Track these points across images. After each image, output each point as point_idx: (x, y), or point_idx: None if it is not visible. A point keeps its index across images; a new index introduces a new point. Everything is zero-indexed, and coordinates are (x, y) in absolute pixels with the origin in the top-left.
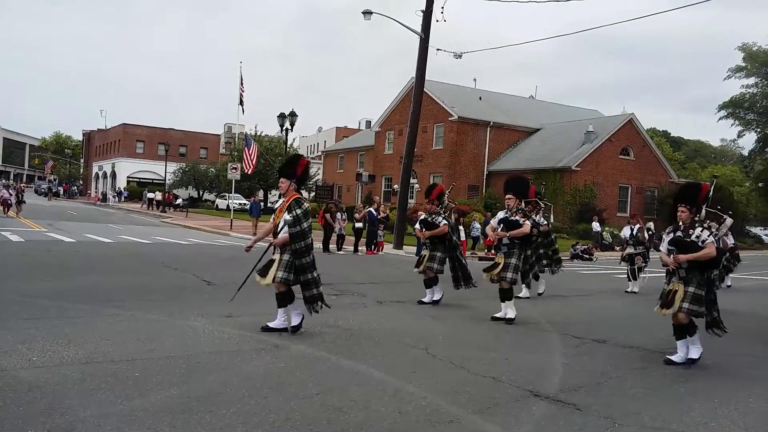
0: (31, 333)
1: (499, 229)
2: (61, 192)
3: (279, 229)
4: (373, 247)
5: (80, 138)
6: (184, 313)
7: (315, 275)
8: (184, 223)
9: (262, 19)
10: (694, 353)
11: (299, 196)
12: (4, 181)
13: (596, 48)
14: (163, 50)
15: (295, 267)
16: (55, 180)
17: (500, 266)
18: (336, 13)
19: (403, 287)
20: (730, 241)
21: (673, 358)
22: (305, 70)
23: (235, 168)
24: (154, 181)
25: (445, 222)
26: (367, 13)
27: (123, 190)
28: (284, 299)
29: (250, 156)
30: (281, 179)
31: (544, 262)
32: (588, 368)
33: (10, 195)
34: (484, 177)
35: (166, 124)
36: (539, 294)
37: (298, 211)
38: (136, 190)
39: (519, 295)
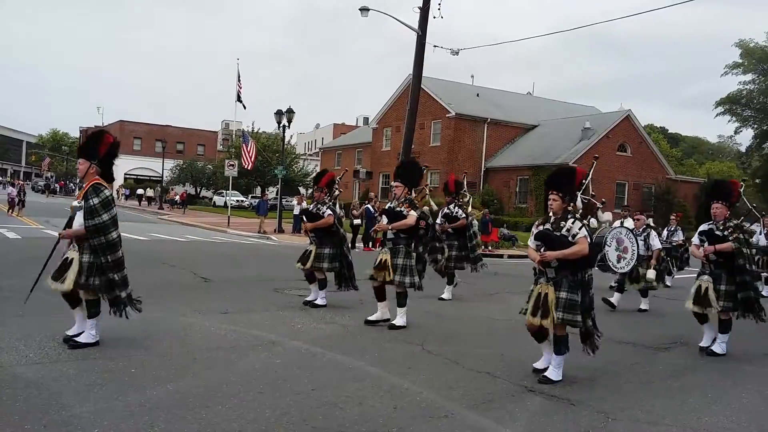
0: (27, 330)
1: (383, 221)
2: (58, 189)
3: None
4: (370, 243)
5: (77, 135)
6: (180, 309)
7: (119, 276)
8: (181, 220)
9: (260, 16)
10: (554, 375)
11: (99, 181)
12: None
13: (593, 44)
14: (161, 47)
15: (95, 268)
16: (52, 177)
17: (388, 266)
18: (333, 11)
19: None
20: (655, 244)
21: (550, 375)
22: (303, 67)
23: (233, 165)
24: (152, 178)
25: (331, 212)
26: (364, 9)
27: (125, 188)
28: (92, 306)
29: (249, 152)
30: (79, 159)
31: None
32: (582, 364)
33: (16, 194)
34: (482, 174)
35: (164, 121)
36: (440, 298)
37: (95, 201)
38: (134, 187)
39: (443, 297)
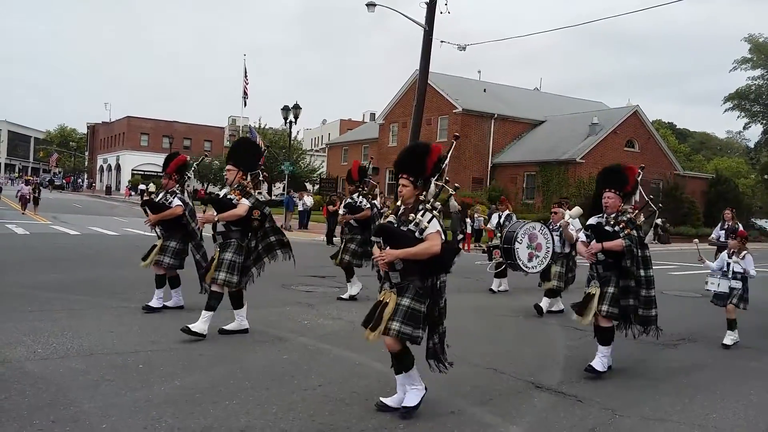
0: (36, 325)
1: (209, 212)
2: (65, 184)
3: None
4: None
5: (85, 131)
6: (187, 305)
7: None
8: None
9: (267, 11)
10: (412, 399)
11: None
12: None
13: (601, 40)
14: (168, 43)
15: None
16: (60, 173)
17: (214, 263)
18: (340, 6)
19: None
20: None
21: (388, 401)
22: (309, 62)
23: None
24: (159, 174)
25: (180, 203)
26: (370, 5)
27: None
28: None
29: None
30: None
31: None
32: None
33: (29, 192)
34: (489, 169)
35: (171, 116)
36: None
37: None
38: (139, 182)
39: (342, 296)
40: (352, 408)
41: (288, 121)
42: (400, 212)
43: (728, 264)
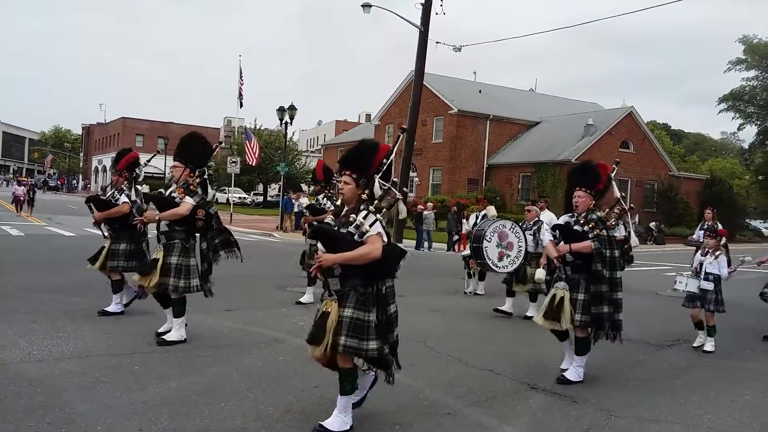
0: (31, 327)
1: (154, 213)
2: (59, 185)
3: None
4: None
5: (80, 132)
6: (194, 308)
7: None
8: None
9: (263, 13)
10: (335, 424)
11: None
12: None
13: (596, 41)
14: (162, 44)
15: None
16: (54, 174)
17: (159, 266)
18: (336, 7)
19: (401, 280)
20: (546, 239)
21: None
22: (305, 63)
23: (235, 162)
24: (154, 175)
25: (127, 201)
26: (366, 6)
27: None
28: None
29: (252, 149)
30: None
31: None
32: (586, 361)
33: (24, 193)
34: (484, 170)
35: (166, 117)
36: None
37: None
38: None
39: (300, 300)
40: None
41: (283, 121)
42: (341, 213)
43: (701, 264)
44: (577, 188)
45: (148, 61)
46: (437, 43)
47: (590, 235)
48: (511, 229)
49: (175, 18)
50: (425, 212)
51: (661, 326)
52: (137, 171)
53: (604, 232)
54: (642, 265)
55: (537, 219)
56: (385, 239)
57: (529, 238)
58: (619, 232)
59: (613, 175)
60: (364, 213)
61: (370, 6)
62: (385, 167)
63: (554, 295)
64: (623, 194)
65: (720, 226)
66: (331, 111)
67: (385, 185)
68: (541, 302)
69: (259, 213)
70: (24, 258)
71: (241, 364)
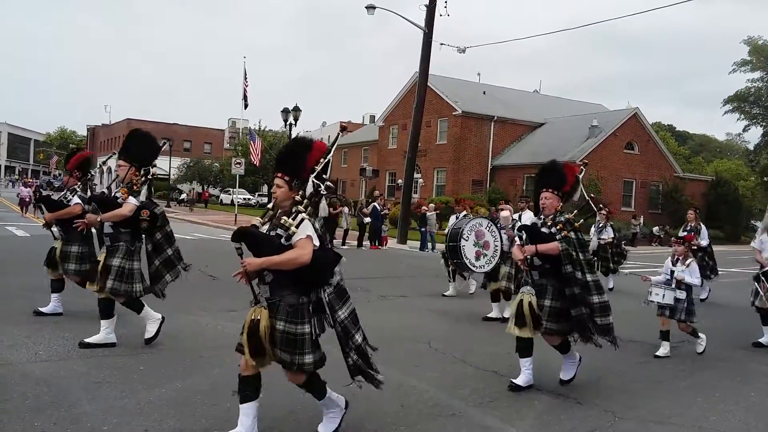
0: (36, 327)
1: (96, 215)
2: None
3: None
4: (377, 241)
5: (85, 133)
6: (187, 307)
7: None
8: (189, 218)
9: (267, 13)
10: (327, 427)
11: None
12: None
13: (601, 42)
14: (168, 45)
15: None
16: (59, 175)
17: (100, 268)
18: (340, 8)
19: (406, 282)
20: (608, 234)
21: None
22: (309, 64)
23: (240, 163)
24: (158, 176)
25: (79, 202)
26: (370, 7)
27: None
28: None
29: (256, 149)
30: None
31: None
32: (589, 362)
33: (29, 195)
34: (488, 172)
35: (170, 119)
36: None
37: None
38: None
39: None
40: (352, 410)
41: (288, 123)
42: (275, 216)
43: (671, 272)
44: (544, 189)
45: (152, 63)
46: (441, 44)
47: (558, 237)
48: (488, 228)
49: (178, 19)
50: (428, 213)
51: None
52: (91, 171)
53: (573, 234)
54: (647, 267)
55: (513, 219)
56: (317, 243)
57: (505, 237)
58: (607, 234)
59: (581, 177)
60: (294, 214)
61: (375, 7)
62: (321, 167)
63: (520, 301)
64: (592, 195)
65: (704, 228)
66: (336, 112)
67: (319, 185)
68: (505, 306)
69: (263, 214)
70: (29, 259)
71: None
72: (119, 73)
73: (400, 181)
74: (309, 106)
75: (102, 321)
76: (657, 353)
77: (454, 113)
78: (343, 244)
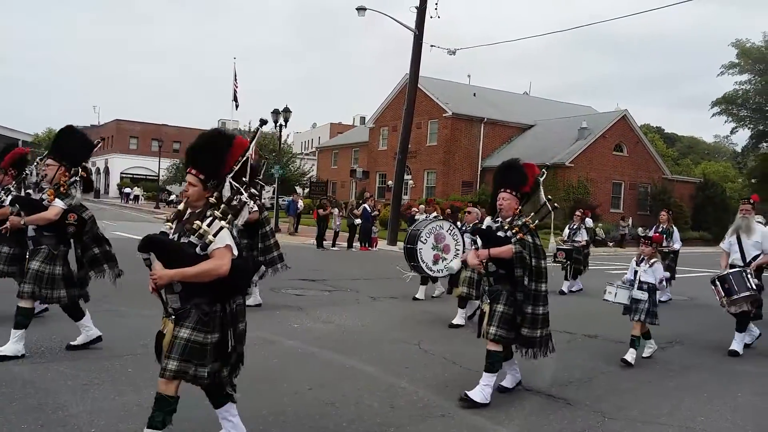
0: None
1: (15, 217)
2: None
3: None
4: (367, 243)
5: None
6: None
7: None
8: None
9: (257, 14)
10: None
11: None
12: None
13: (590, 44)
14: (157, 45)
15: None
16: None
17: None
18: (330, 9)
19: (396, 283)
20: (582, 236)
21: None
22: (299, 65)
23: None
24: (148, 177)
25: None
26: (361, 9)
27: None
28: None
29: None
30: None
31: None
32: (579, 363)
33: None
34: (479, 173)
35: (160, 119)
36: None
37: None
38: (127, 185)
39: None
40: (341, 411)
41: (278, 124)
42: (184, 218)
43: (635, 272)
44: (502, 189)
45: (141, 63)
46: (432, 46)
47: (513, 240)
48: (449, 231)
49: (167, 19)
50: (417, 215)
51: (654, 328)
52: (27, 170)
53: (530, 237)
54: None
55: (477, 222)
56: (236, 252)
57: (467, 240)
58: (581, 237)
59: (542, 180)
60: (209, 220)
61: (365, 9)
62: (239, 165)
63: (484, 312)
64: (549, 197)
65: (675, 230)
66: (326, 113)
67: (239, 189)
68: (472, 309)
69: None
70: None
71: None
72: (108, 73)
73: (390, 182)
74: (299, 107)
75: (13, 330)
76: (626, 357)
77: (444, 115)
78: (334, 245)
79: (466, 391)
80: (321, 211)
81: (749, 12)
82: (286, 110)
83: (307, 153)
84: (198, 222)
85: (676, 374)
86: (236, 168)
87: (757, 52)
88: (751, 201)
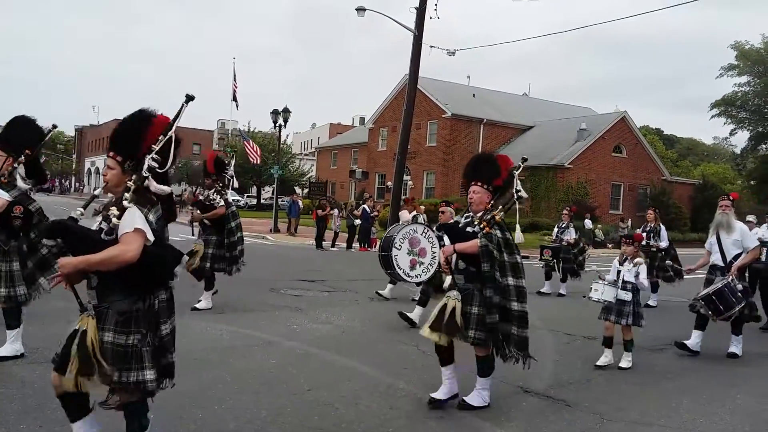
0: (22, 329)
1: None
2: (51, 187)
3: None
4: (366, 243)
5: (72, 133)
6: (176, 309)
7: None
8: (178, 219)
9: (256, 15)
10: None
11: None
12: None
13: (590, 46)
14: (156, 45)
15: None
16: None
17: None
18: (330, 10)
19: (396, 284)
20: (570, 235)
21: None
22: (299, 66)
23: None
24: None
25: None
26: (360, 9)
27: None
28: None
29: (253, 147)
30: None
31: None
32: (578, 365)
33: None
34: None
35: None
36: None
37: None
38: None
39: (197, 306)
40: (341, 412)
41: (277, 124)
42: (107, 204)
43: (618, 272)
44: (473, 183)
45: (140, 63)
46: (431, 46)
47: (479, 234)
48: (423, 234)
49: (167, 19)
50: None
51: (652, 330)
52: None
53: (498, 231)
54: None
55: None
56: (151, 238)
57: (447, 243)
58: (569, 235)
59: (517, 173)
60: (127, 204)
61: (365, 9)
62: (160, 144)
63: (444, 305)
64: (519, 189)
65: (664, 229)
66: (326, 114)
67: (155, 167)
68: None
69: (252, 215)
70: None
71: (234, 367)
72: (108, 73)
73: (389, 183)
74: (298, 107)
75: (8, 332)
76: (598, 363)
77: (443, 116)
78: (333, 246)
79: (464, 397)
80: (320, 211)
81: (749, 14)
82: (286, 110)
83: (306, 153)
84: (113, 207)
85: (675, 376)
86: (156, 148)
87: (756, 54)
88: (731, 197)
